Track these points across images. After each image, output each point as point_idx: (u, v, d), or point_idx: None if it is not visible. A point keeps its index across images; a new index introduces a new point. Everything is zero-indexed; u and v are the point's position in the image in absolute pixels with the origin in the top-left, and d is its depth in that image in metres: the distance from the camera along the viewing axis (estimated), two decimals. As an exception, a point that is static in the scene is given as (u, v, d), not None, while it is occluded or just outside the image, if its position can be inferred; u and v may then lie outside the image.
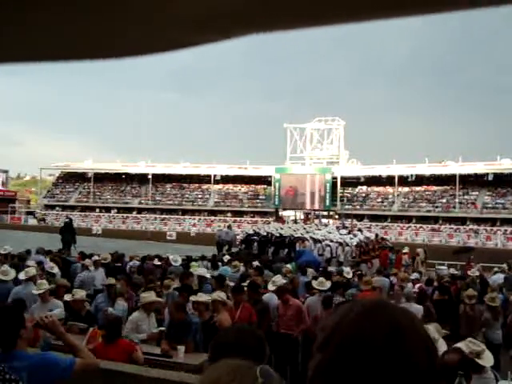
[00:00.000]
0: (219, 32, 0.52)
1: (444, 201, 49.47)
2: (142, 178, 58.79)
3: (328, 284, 10.12)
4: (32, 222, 53.59)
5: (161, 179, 58.53)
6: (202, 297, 7.78)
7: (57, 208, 58.33)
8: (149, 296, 7.81)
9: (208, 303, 7.57)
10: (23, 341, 3.58)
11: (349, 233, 26.40)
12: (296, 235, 23.51)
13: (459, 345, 4.56)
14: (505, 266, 17.93)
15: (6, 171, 71.86)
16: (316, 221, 40.78)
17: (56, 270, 12.26)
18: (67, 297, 8.84)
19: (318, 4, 0.49)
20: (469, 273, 15.58)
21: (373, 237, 25.71)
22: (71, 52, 0.55)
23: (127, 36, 0.53)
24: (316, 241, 22.50)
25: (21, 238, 29.87)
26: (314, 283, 10.41)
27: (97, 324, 8.30)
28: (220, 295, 7.51)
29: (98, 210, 57.41)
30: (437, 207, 49.04)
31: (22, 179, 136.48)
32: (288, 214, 51.47)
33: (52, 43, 0.54)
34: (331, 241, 22.48)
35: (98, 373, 3.97)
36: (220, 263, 15.14)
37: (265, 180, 55.39)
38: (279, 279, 10.45)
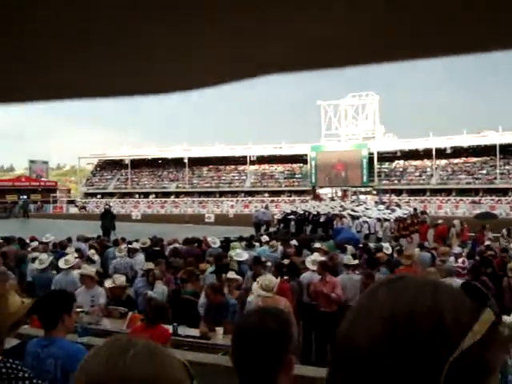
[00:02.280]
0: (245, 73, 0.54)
1: (484, 172, 48.51)
2: (178, 162, 59.06)
3: (355, 261, 9.98)
4: (73, 210, 54.44)
5: (197, 162, 58.72)
6: (233, 275, 7.85)
7: (98, 196, 59.19)
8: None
9: (239, 281, 7.62)
10: (64, 326, 3.68)
11: (387, 208, 26.20)
12: (333, 212, 23.41)
13: (506, 318, 4.47)
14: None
15: (45, 162, 73.11)
16: (353, 197, 40.54)
17: (96, 257, 12.46)
18: (107, 283, 8.96)
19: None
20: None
21: (411, 211, 25.45)
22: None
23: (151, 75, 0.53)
24: (354, 217, 22.36)
25: (62, 227, 30.35)
26: (345, 259, 10.33)
27: (137, 308, 8.42)
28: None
29: (136, 195, 58.08)
30: (477, 179, 48.11)
31: (62, 169, 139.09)
32: (325, 191, 51.18)
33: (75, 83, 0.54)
34: (369, 217, 22.31)
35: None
36: (258, 243, 15.11)
37: (301, 158, 55.12)
38: (318, 257, 10.43)
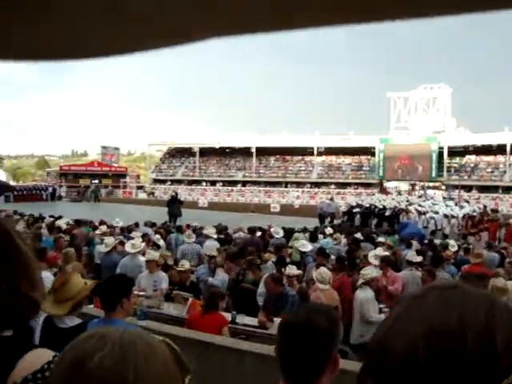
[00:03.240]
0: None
1: (562, 170, 46.53)
2: (245, 152, 59.37)
3: (419, 258, 9.80)
4: (142, 195, 55.61)
5: (264, 152, 58.85)
6: (293, 270, 7.83)
7: (167, 182, 60.19)
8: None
9: (300, 276, 7.60)
10: (123, 309, 3.82)
11: (455, 204, 25.59)
12: (400, 207, 23.06)
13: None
14: None
15: (117, 148, 74.80)
16: (421, 192, 39.77)
17: (162, 242, 12.74)
18: (176, 268, 9.19)
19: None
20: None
21: (481, 208, 24.75)
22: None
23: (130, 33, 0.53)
24: (420, 213, 21.94)
25: (131, 211, 31.12)
26: (408, 255, 10.17)
27: (201, 294, 8.57)
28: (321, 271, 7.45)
29: (203, 183, 58.72)
30: (555, 177, 46.13)
31: (133, 155, 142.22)
32: (392, 185, 50.39)
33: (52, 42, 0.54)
34: (436, 213, 21.84)
35: (192, 342, 4.12)
36: (322, 235, 15.05)
37: (368, 151, 54.43)
38: (381, 252, 10.32)
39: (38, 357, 1.39)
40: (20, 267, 1.46)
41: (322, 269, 7.41)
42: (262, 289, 7.76)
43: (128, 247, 10.01)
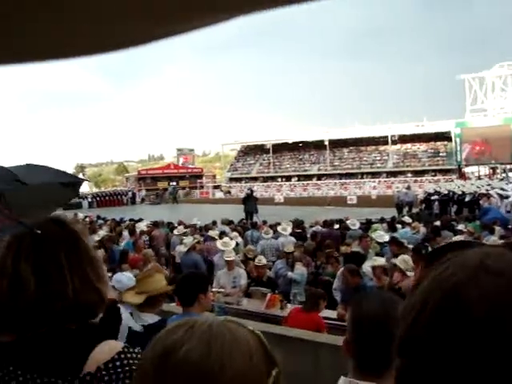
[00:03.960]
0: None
1: None
2: (318, 145, 59.04)
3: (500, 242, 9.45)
4: (219, 195, 56.27)
5: (337, 144, 58.41)
6: (377, 261, 7.71)
7: (243, 181, 60.69)
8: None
9: (386, 267, 7.47)
10: (200, 304, 3.94)
11: (540, 185, 24.60)
12: (480, 192, 22.38)
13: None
14: None
15: (192, 150, 76.07)
16: (503, 175, 38.43)
17: (239, 239, 12.88)
18: (253, 262, 9.31)
19: None
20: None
21: None
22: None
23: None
24: (503, 197, 21.19)
25: (208, 211, 31.57)
26: (490, 241, 9.84)
27: (278, 289, 8.64)
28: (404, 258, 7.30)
29: (278, 179, 58.83)
30: None
31: (207, 156, 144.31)
32: (472, 170, 48.93)
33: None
34: (520, 196, 21.06)
35: (269, 336, 4.17)
36: (400, 225, 14.81)
37: (445, 136, 52.99)
38: (460, 239, 10.06)
39: (110, 348, 1.47)
40: (89, 263, 1.57)
41: (404, 256, 7.28)
42: (337, 283, 7.74)
43: (220, 245, 10.25)
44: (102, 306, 1.59)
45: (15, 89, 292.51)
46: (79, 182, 3.25)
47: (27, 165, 2.80)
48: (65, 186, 2.95)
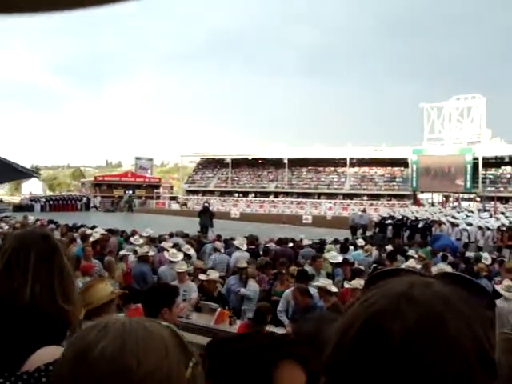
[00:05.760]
0: None
1: None
2: (277, 163, 59.39)
3: (449, 270, 9.57)
4: (175, 206, 55.86)
5: (296, 163, 58.79)
6: (322, 282, 7.76)
7: (201, 193, 60.49)
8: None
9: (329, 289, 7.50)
10: (164, 320, 3.85)
11: (490, 216, 25.19)
12: (432, 218, 22.80)
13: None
14: None
15: (151, 159, 75.60)
16: (455, 204, 39.22)
17: (192, 251, 12.80)
18: (202, 276, 9.22)
19: None
20: None
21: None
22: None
23: None
24: (454, 224, 21.65)
25: (163, 222, 31.36)
26: (438, 267, 9.97)
27: (227, 305, 8.59)
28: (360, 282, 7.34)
29: (236, 194, 58.89)
30: None
31: (166, 166, 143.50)
32: (426, 196, 49.81)
33: None
34: (470, 224, 21.52)
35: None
36: (352, 247, 14.97)
37: (402, 162, 53.84)
38: (412, 264, 10.21)
39: (52, 352, 1.47)
40: (58, 278, 1.68)
41: (359, 281, 7.36)
42: (283, 304, 7.75)
43: (168, 255, 10.18)
44: (65, 322, 1.66)
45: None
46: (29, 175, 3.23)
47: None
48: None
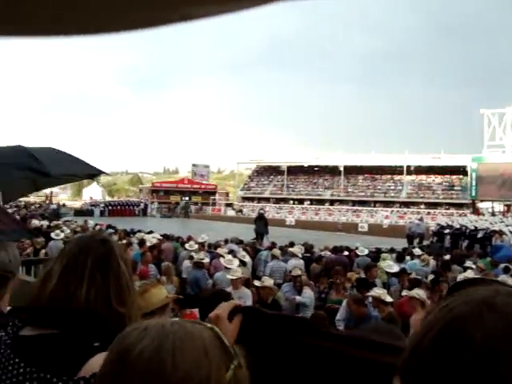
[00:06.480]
0: None
1: None
2: (333, 170, 59.11)
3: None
4: (230, 213, 56.24)
5: (352, 170, 58.38)
6: (377, 292, 7.62)
7: (256, 200, 60.67)
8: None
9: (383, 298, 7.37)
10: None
11: (555, 226, 24.38)
12: (493, 228, 22.22)
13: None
14: None
15: (207, 166, 76.33)
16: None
17: (247, 258, 12.82)
18: (257, 283, 9.23)
19: None
20: None
21: None
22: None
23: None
24: (516, 235, 21.05)
25: (218, 228, 31.59)
26: (500, 279, 9.69)
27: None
28: (418, 293, 7.22)
29: (291, 201, 58.80)
30: None
31: (222, 173, 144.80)
32: (486, 205, 48.57)
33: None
34: (533, 235, 20.89)
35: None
36: (409, 257, 14.70)
37: (460, 170, 52.75)
38: (471, 275, 9.97)
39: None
40: (115, 283, 1.71)
41: (418, 290, 7.22)
42: (341, 313, 7.64)
43: (224, 262, 10.24)
44: (119, 327, 1.66)
45: (28, 87, 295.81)
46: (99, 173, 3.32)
47: (52, 149, 2.82)
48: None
